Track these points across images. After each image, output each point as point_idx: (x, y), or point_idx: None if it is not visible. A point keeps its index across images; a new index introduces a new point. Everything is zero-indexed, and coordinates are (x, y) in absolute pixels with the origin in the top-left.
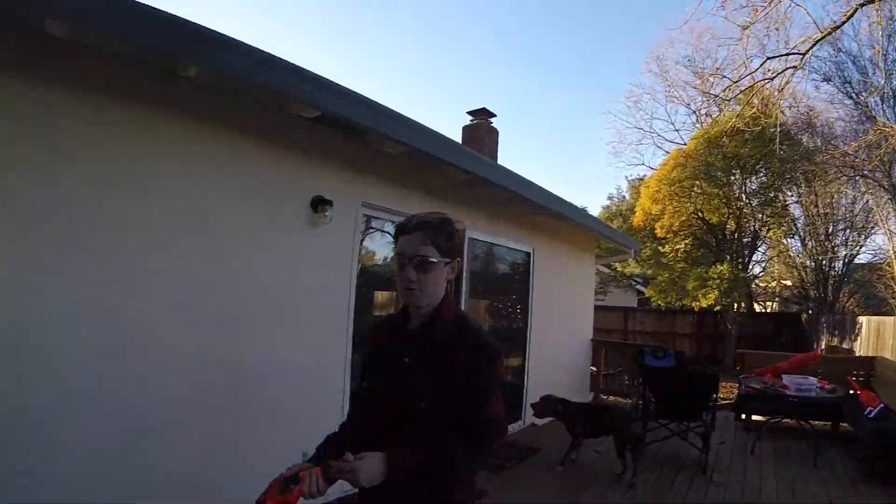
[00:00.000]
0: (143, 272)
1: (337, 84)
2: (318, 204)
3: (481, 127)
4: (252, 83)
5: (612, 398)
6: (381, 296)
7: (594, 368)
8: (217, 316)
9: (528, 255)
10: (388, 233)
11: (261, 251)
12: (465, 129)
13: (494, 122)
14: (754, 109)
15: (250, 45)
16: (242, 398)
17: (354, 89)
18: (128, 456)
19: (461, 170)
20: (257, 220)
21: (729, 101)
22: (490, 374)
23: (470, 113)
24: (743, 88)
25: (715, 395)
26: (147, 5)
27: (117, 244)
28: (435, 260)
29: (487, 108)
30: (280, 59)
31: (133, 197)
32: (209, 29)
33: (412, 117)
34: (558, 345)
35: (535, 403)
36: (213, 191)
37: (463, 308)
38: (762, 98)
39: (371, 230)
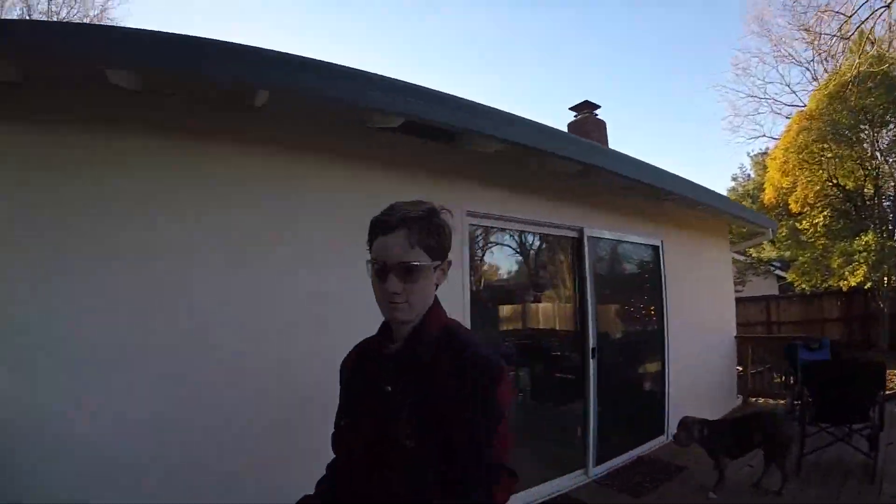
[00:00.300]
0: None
1: (413, 85)
2: None
3: (587, 122)
4: (325, 99)
5: (761, 400)
6: (505, 310)
7: (740, 368)
8: (310, 335)
9: (656, 248)
10: (507, 245)
11: (357, 271)
12: (570, 126)
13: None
14: (873, 51)
15: (320, 60)
16: None
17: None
18: None
19: (572, 160)
20: (352, 241)
21: (847, 38)
22: (489, 402)
23: (572, 108)
24: (858, 25)
25: (883, 390)
26: (211, 40)
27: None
28: (424, 264)
29: (590, 100)
30: (350, 68)
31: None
32: (277, 51)
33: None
34: (699, 345)
35: (677, 434)
36: (304, 217)
37: (591, 316)
38: (876, 42)
39: (486, 242)
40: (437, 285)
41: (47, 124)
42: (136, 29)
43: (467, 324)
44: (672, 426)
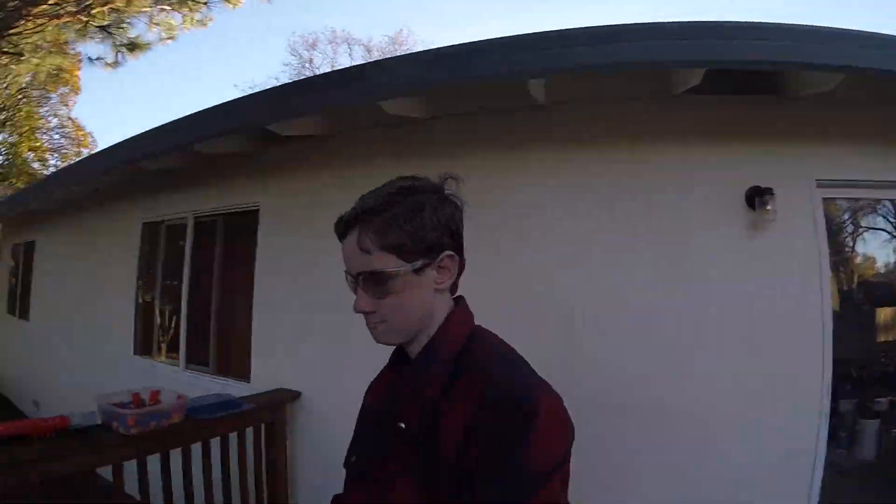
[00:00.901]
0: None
1: (711, 22)
2: (754, 196)
3: None
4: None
5: None
6: (883, 315)
7: None
8: (629, 339)
9: None
10: (881, 229)
11: (679, 267)
12: None
13: None
14: None
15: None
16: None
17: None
18: None
19: None
20: (673, 232)
21: None
22: (520, 455)
23: None
24: None
25: None
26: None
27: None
28: (394, 271)
29: None
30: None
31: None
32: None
33: None
34: None
35: None
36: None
37: None
38: None
39: (854, 223)
40: (439, 289)
41: None
42: None
43: (828, 335)
44: None
